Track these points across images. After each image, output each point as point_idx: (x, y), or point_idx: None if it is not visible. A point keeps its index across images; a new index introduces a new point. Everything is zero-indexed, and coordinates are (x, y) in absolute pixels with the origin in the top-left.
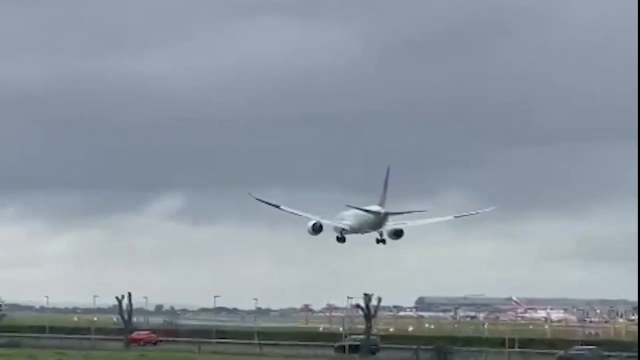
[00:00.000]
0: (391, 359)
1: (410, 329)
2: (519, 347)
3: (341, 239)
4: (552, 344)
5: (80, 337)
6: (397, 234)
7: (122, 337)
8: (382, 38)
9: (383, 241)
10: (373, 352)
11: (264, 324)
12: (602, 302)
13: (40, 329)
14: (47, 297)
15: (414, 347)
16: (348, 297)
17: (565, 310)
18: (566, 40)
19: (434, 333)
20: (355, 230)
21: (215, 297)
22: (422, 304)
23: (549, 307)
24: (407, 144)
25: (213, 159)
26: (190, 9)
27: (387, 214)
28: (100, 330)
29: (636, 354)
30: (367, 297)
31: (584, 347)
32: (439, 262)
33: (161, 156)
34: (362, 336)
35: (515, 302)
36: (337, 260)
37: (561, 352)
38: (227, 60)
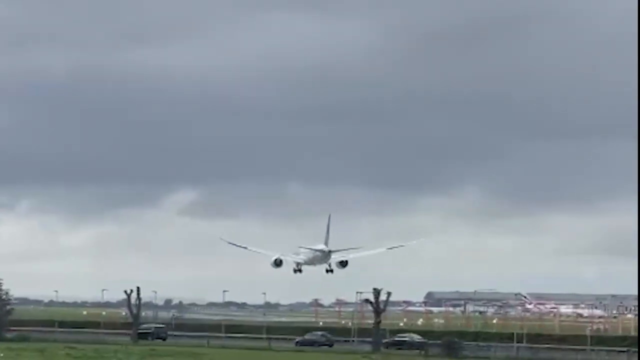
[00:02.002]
0: (401, 354)
1: (420, 322)
2: (528, 342)
3: (298, 270)
4: (561, 339)
5: (90, 331)
6: (343, 264)
7: (131, 331)
8: (402, 30)
9: (331, 271)
10: (163, 339)
11: (273, 318)
12: (613, 297)
13: (49, 323)
14: (56, 291)
15: (424, 341)
16: (357, 292)
17: (575, 305)
18: (591, 35)
19: (443, 328)
20: (308, 263)
21: (224, 291)
22: (431, 298)
23: (559, 302)
24: (425, 137)
25: (229, 152)
26: (210, 1)
27: (330, 252)
28: (109, 325)
29: None
30: (376, 292)
31: (317, 332)
32: (452, 257)
33: (177, 150)
34: (155, 324)
35: (524, 297)
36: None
37: (299, 338)
38: (247, 54)
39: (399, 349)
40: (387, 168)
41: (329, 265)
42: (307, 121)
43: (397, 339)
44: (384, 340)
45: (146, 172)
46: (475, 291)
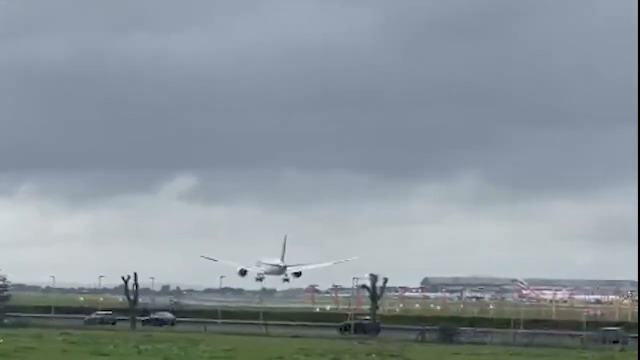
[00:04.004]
0: (396, 339)
1: (417, 306)
2: (524, 328)
3: (260, 279)
4: (557, 324)
5: (86, 317)
6: (297, 274)
7: (127, 317)
8: (402, 19)
9: (287, 280)
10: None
11: (269, 304)
12: (608, 282)
13: (46, 309)
14: (53, 277)
15: (420, 327)
16: (354, 278)
17: (571, 291)
18: (590, 23)
19: (439, 313)
20: (267, 274)
21: (221, 277)
22: (427, 284)
23: (555, 288)
24: (425, 124)
25: (227, 139)
26: None
27: (285, 266)
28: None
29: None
30: (373, 278)
31: (101, 312)
32: (448, 243)
33: (174, 136)
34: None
35: (521, 283)
36: (343, 240)
37: (87, 317)
38: (246, 41)
39: (158, 325)
40: (384, 155)
41: (285, 275)
42: (304, 108)
43: (154, 317)
44: (144, 318)
45: (144, 158)
46: (471, 277)
